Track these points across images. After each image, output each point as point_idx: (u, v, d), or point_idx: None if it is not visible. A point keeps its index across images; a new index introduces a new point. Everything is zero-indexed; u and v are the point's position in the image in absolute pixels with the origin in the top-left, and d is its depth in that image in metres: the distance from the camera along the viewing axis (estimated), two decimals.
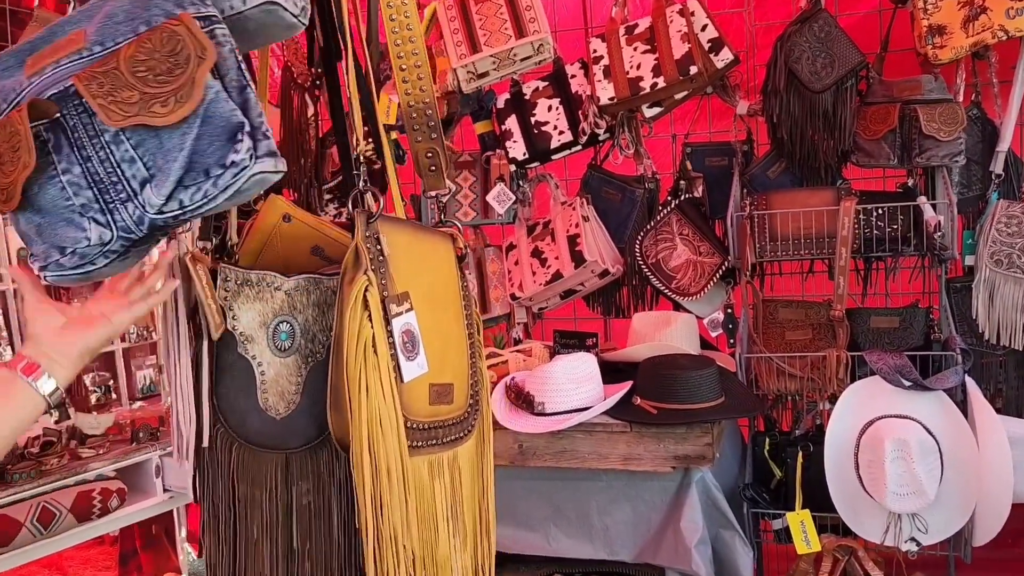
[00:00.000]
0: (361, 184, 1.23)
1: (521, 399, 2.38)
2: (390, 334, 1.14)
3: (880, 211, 2.45)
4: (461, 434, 1.26)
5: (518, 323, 2.96)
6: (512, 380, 2.46)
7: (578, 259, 2.74)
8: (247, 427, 1.18)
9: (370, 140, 3.09)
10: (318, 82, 3.13)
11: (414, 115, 1.41)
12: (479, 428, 1.36)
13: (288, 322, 1.21)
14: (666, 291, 2.77)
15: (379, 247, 1.20)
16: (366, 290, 1.13)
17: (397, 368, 1.14)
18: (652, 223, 2.80)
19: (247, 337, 1.20)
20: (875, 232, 2.46)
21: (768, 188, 2.67)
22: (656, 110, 2.71)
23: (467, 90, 2.82)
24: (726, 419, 2.32)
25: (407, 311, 1.20)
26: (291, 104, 3.09)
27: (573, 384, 2.32)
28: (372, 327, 1.10)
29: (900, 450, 2.20)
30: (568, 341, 2.69)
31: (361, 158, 1.24)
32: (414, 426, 1.14)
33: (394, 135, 3.01)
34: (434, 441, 1.17)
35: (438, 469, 1.16)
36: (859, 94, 2.56)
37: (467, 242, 2.93)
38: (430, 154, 1.44)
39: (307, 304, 1.23)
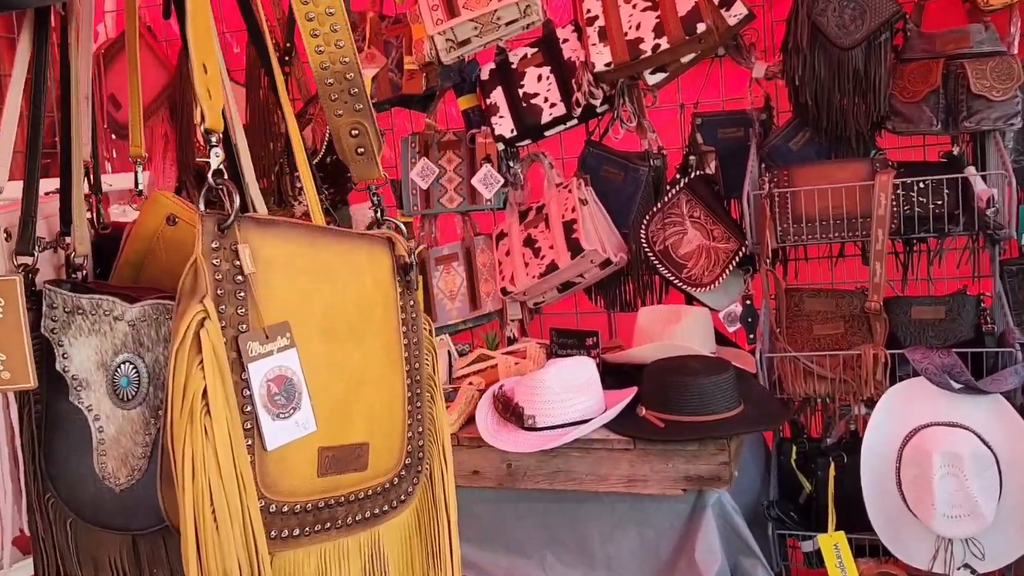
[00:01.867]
0: (211, 176, 0.91)
1: (510, 411, 2.08)
2: (246, 384, 0.84)
3: (922, 185, 2.11)
4: (384, 508, 0.95)
5: (511, 320, 2.65)
6: (500, 389, 2.16)
7: (575, 248, 2.42)
8: (80, 499, 0.89)
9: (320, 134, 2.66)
10: (287, 57, 2.82)
11: (330, 80, 1.10)
12: (423, 494, 1.05)
13: (132, 363, 0.91)
14: (676, 281, 2.45)
15: (236, 264, 0.89)
16: (200, 324, 0.82)
17: (256, 431, 0.84)
18: (659, 205, 2.48)
19: (80, 382, 0.90)
20: (917, 209, 2.12)
21: (791, 162, 2.33)
22: (660, 76, 2.37)
23: (447, 60, 2.50)
24: (745, 433, 2.01)
25: (282, 349, 0.90)
26: (258, 83, 2.79)
27: (568, 394, 2.02)
28: (204, 376, 0.80)
29: (951, 465, 1.88)
30: (566, 341, 2.38)
31: (214, 138, 0.93)
32: (290, 508, 0.84)
33: None
34: (329, 524, 0.87)
35: (336, 562, 0.86)
36: (894, 50, 2.21)
37: (422, 245, 2.63)
38: (355, 131, 1.13)
39: (157, 339, 0.93)
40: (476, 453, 2.07)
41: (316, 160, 2.77)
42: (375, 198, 1.17)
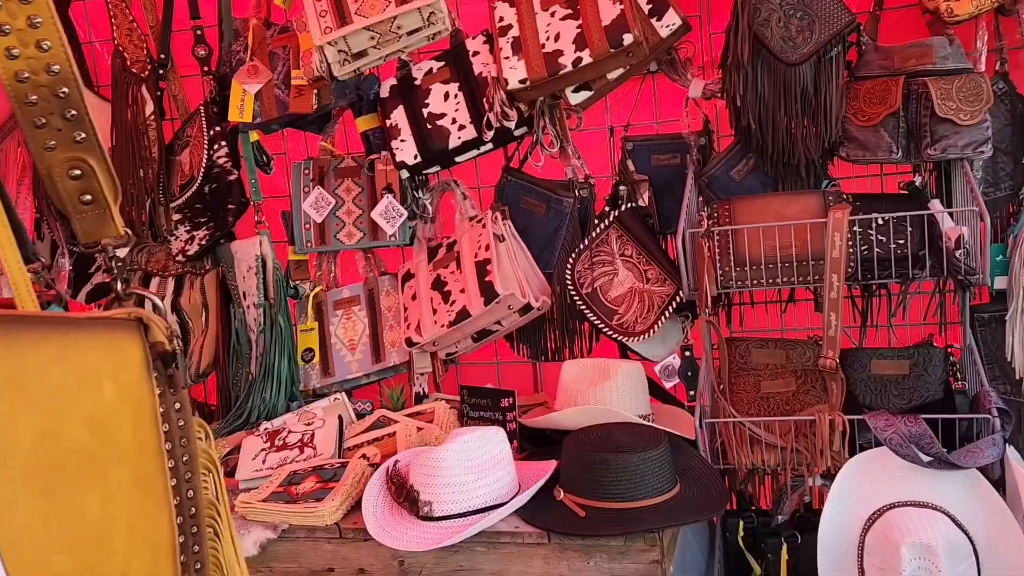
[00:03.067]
0: None
1: (404, 495, 1.73)
2: None
3: (881, 222, 1.82)
4: None
5: (419, 374, 2.30)
6: (395, 466, 1.81)
7: (489, 292, 2.09)
8: None
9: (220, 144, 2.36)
10: (161, 71, 2.45)
11: (32, 97, 0.75)
12: None
13: None
14: (606, 329, 2.13)
15: None
16: None
17: None
18: (586, 241, 2.16)
19: None
20: (876, 250, 1.83)
21: (733, 193, 2.03)
22: (585, 95, 2.06)
23: (340, 75, 2.16)
24: (681, 524, 1.68)
25: None
26: (126, 100, 2.41)
27: (471, 476, 1.68)
28: None
29: (923, 558, 1.58)
30: (478, 402, 2.05)
31: None
32: None
33: (254, 136, 2.35)
34: None
35: None
36: (848, 66, 1.94)
37: (319, 286, 2.29)
38: (76, 171, 0.78)
39: None
40: (362, 548, 1.72)
41: (194, 190, 2.40)
42: (113, 263, 0.81)
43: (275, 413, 2.26)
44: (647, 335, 2.09)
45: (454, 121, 2.14)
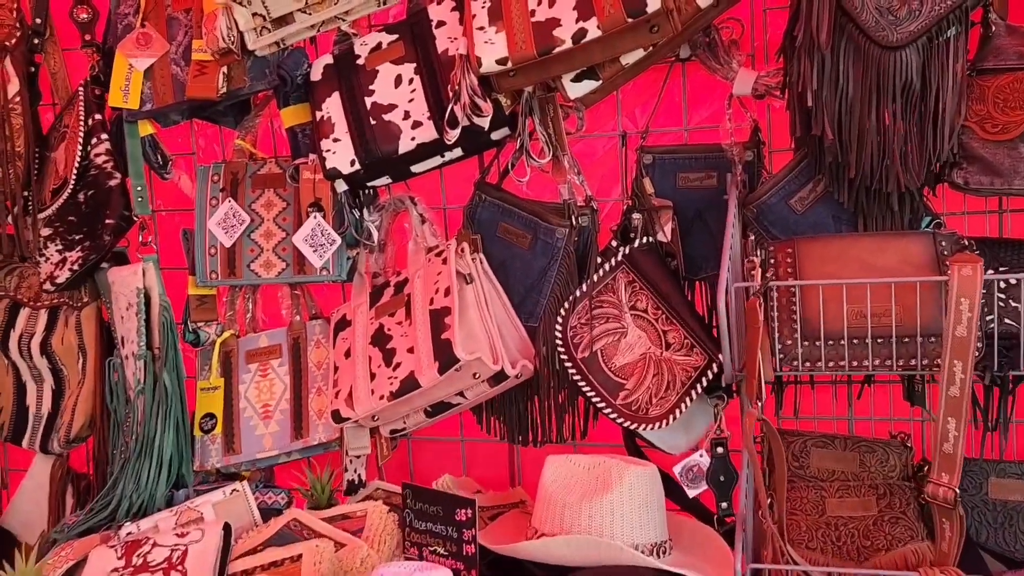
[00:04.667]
0: None
1: None
2: None
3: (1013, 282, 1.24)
4: None
5: (353, 456, 1.70)
6: None
7: (445, 356, 1.49)
8: None
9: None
10: (36, 40, 1.86)
11: None
12: None
13: None
14: (609, 411, 1.54)
15: None
16: None
17: None
18: (585, 287, 1.57)
19: None
20: (1006, 322, 1.24)
21: (793, 230, 1.44)
22: (589, 85, 1.47)
23: (256, 48, 1.58)
24: None
25: None
26: None
27: None
28: None
29: None
30: (425, 508, 1.45)
31: None
32: None
33: (149, 128, 1.76)
34: None
35: None
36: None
37: (228, 332, 1.68)
38: None
39: None
40: None
41: (67, 196, 1.81)
42: None
43: (152, 506, 1.66)
44: (665, 422, 1.50)
45: (407, 116, 1.54)
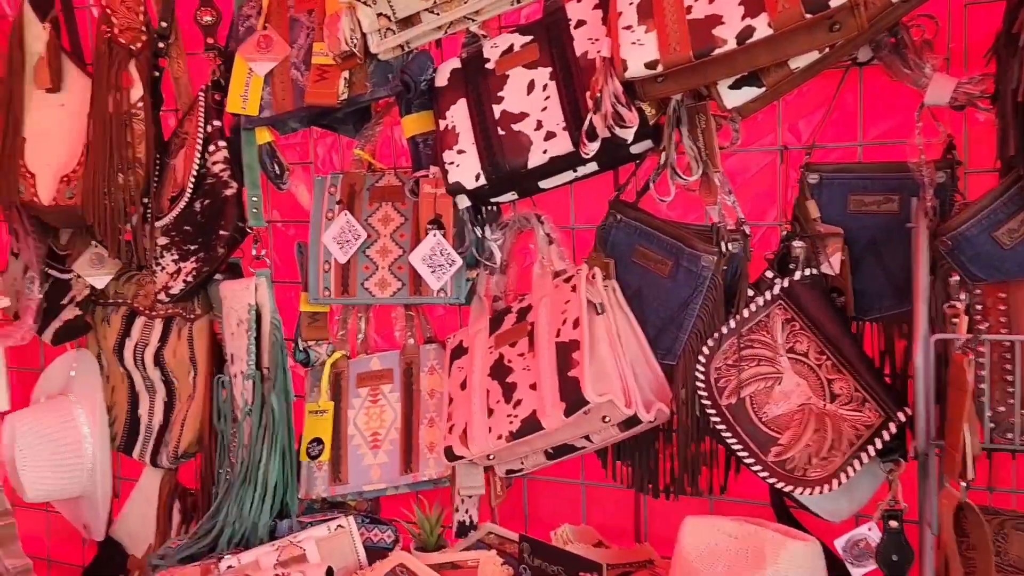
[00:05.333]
0: None
1: None
2: None
3: None
4: None
5: (465, 496, 1.56)
6: None
7: (573, 397, 1.33)
8: None
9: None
10: (161, 44, 1.82)
11: None
12: None
13: None
14: (758, 468, 1.34)
15: None
16: None
17: None
18: (733, 323, 1.38)
19: None
20: None
21: (999, 268, 1.20)
22: (750, 93, 1.27)
23: (380, 51, 1.46)
24: None
25: None
26: (107, 81, 1.78)
27: None
28: None
29: None
30: (543, 567, 1.29)
31: None
32: None
33: (267, 135, 1.67)
34: None
35: None
36: None
37: (339, 352, 1.54)
38: None
39: None
40: None
41: (183, 205, 1.75)
42: None
43: (254, 535, 1.57)
44: (826, 487, 1.28)
45: (539, 126, 1.39)
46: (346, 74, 1.53)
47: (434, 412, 1.61)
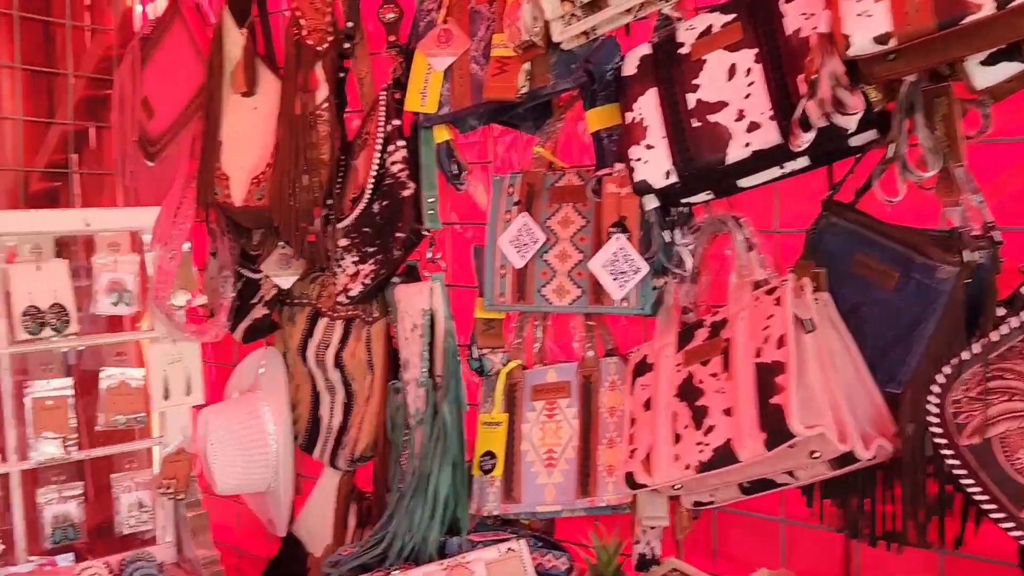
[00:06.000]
0: None
1: None
2: None
3: None
4: None
5: (647, 527, 1.42)
6: None
7: (776, 428, 1.15)
8: None
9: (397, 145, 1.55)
10: (347, 44, 1.81)
11: None
12: None
13: None
14: (1008, 525, 1.10)
15: None
16: None
17: None
18: (978, 347, 1.14)
19: None
20: None
21: None
22: (1010, 69, 1.05)
23: (563, 39, 1.35)
24: None
25: None
26: (295, 83, 1.80)
27: None
28: None
29: None
30: None
31: None
32: None
33: (445, 134, 1.61)
34: None
35: None
36: None
37: (514, 361, 1.42)
38: None
39: None
40: None
41: (363, 206, 1.73)
42: None
43: (424, 550, 1.51)
44: None
45: (740, 116, 1.22)
46: (526, 66, 1.43)
47: (614, 432, 1.48)
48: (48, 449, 1.88)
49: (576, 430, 1.52)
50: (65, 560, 1.86)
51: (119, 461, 2.10)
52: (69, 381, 1.93)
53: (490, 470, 1.57)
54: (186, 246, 2.05)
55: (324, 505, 1.95)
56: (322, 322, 1.93)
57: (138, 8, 2.38)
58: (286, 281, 1.97)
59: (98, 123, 2.35)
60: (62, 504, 1.95)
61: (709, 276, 1.46)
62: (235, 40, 1.96)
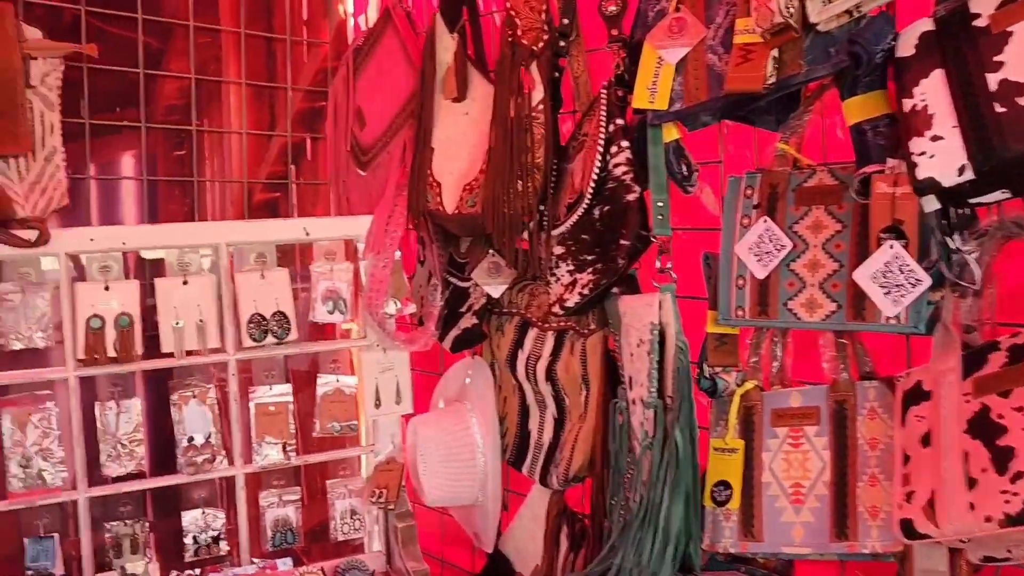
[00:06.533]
0: None
1: None
2: None
3: None
4: None
5: None
6: None
7: None
8: None
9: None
10: (563, 42, 1.72)
11: None
12: None
13: None
14: None
15: None
16: None
17: None
18: None
19: None
20: None
21: None
22: None
23: (821, 20, 1.19)
24: None
25: None
26: (509, 85, 1.73)
27: None
28: None
29: None
30: None
31: None
32: None
33: (674, 132, 1.49)
34: None
35: None
36: None
37: (750, 383, 1.21)
38: None
39: None
40: None
41: (581, 212, 1.63)
42: None
43: None
44: None
45: None
46: (775, 53, 1.27)
47: (876, 468, 1.28)
48: (270, 453, 1.92)
49: (828, 463, 1.34)
50: (285, 564, 1.89)
51: (332, 468, 2.12)
52: (289, 387, 1.97)
53: (724, 502, 1.42)
54: (397, 254, 2.05)
55: (533, 524, 1.88)
56: (532, 333, 1.85)
57: (351, 20, 2.42)
58: (496, 290, 1.91)
59: (313, 134, 2.40)
60: (282, 508, 1.99)
61: (995, 289, 1.24)
62: (447, 45, 1.93)
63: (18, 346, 1.77)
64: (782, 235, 1.36)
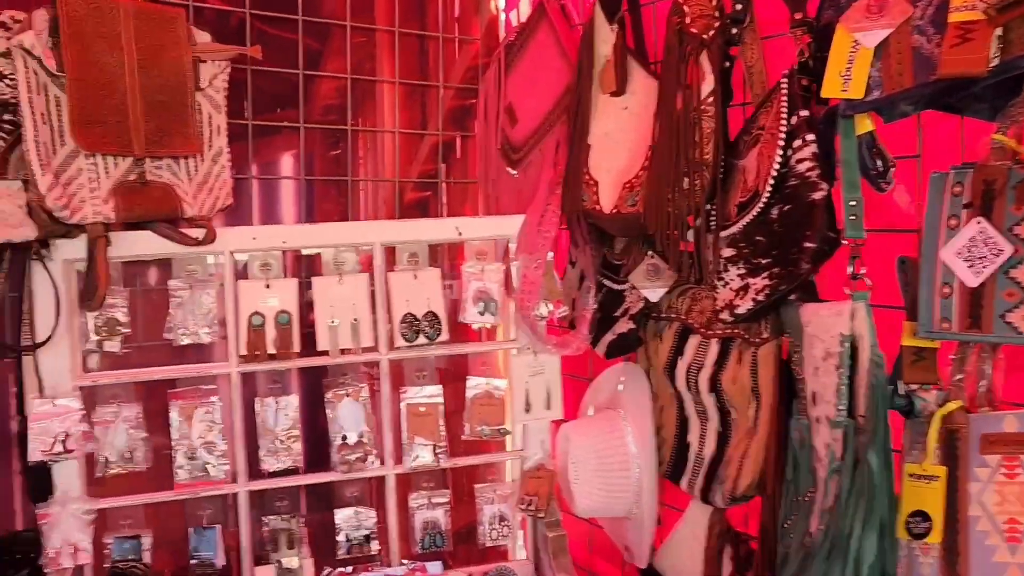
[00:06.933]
0: None
1: None
2: None
3: None
4: None
5: None
6: None
7: None
8: None
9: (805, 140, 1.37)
10: (735, 30, 1.61)
11: None
12: None
13: None
14: None
15: None
16: None
17: None
18: None
19: None
20: None
21: None
22: None
23: None
24: None
25: None
26: (676, 77, 1.63)
27: None
28: None
29: None
30: None
31: None
32: None
33: (868, 124, 1.35)
34: None
35: None
36: None
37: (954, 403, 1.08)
38: None
39: None
40: None
41: (757, 211, 1.51)
42: None
43: None
44: None
45: None
46: (999, 31, 1.12)
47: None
48: (421, 455, 1.90)
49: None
50: (435, 567, 1.86)
51: (480, 472, 2.09)
52: (440, 388, 1.94)
53: (922, 535, 1.27)
54: (549, 255, 1.99)
55: (692, 542, 1.77)
56: (693, 340, 1.75)
57: (502, 16, 2.38)
58: (655, 294, 1.81)
59: (463, 133, 2.38)
60: (431, 510, 1.97)
61: None
62: (605, 37, 1.85)
63: (185, 341, 1.82)
64: (1000, 238, 1.20)
